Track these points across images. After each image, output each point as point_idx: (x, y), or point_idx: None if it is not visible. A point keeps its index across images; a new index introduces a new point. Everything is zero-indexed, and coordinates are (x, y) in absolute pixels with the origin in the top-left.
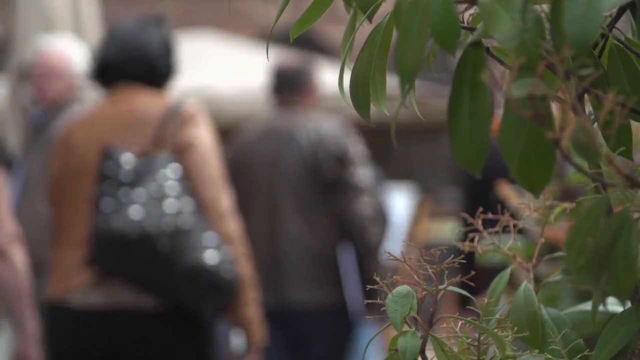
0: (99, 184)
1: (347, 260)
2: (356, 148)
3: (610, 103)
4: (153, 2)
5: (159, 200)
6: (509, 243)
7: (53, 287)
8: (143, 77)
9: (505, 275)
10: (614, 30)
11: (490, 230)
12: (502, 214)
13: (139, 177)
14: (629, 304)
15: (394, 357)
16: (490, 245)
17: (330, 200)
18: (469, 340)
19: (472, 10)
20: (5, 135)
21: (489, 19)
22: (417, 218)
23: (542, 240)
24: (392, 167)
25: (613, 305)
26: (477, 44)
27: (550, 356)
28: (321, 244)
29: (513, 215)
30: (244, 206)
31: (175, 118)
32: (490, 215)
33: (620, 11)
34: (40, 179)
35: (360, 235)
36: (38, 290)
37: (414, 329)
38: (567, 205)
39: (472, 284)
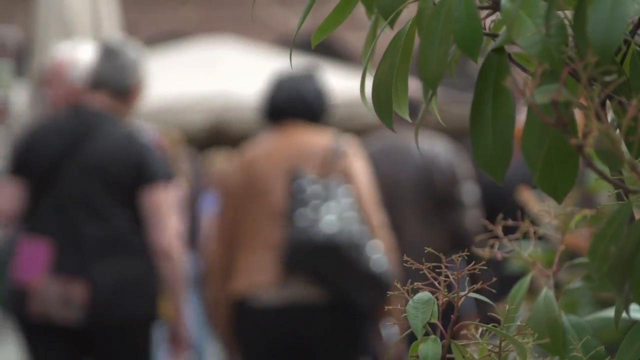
0: (290, 200)
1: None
2: (463, 166)
3: (634, 110)
4: (173, 8)
5: (339, 214)
6: (529, 249)
7: (240, 284)
8: (305, 116)
9: (525, 281)
10: (636, 37)
11: (511, 236)
12: (522, 220)
13: (322, 195)
14: None
15: None
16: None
17: (442, 213)
18: (490, 347)
19: (493, 17)
20: None
21: (512, 24)
22: None
23: (563, 247)
24: None
25: (636, 312)
26: (499, 50)
27: None
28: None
29: (532, 222)
30: None
31: (336, 150)
32: (510, 222)
33: None
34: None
35: (469, 246)
36: None
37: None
38: (587, 212)
39: (493, 290)
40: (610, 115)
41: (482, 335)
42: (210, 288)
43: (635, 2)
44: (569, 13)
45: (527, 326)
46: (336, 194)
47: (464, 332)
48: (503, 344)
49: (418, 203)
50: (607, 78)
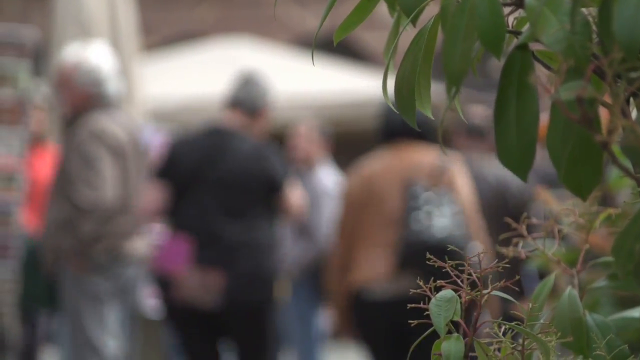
0: (405, 206)
1: (531, 277)
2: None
3: None
4: (190, 8)
5: (449, 219)
6: (553, 249)
7: (357, 277)
8: (415, 136)
9: (550, 280)
10: None
11: (535, 235)
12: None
13: (434, 202)
14: None
15: None
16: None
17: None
18: (513, 345)
19: (516, 14)
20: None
21: (536, 21)
22: None
23: (587, 246)
24: None
25: None
26: (523, 47)
27: None
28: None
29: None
30: None
31: (442, 165)
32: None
33: None
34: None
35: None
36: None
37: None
38: (612, 210)
39: (516, 288)
40: (635, 112)
41: (504, 333)
42: (330, 280)
43: None
44: (592, 10)
45: (551, 325)
46: (444, 201)
47: (486, 330)
48: (526, 342)
49: (491, 219)
50: (633, 75)
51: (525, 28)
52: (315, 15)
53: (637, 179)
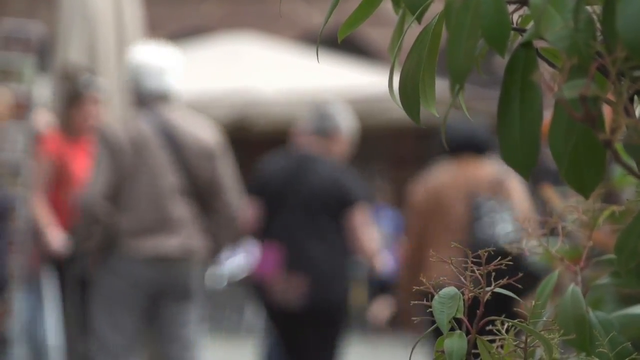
0: (470, 214)
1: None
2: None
3: None
4: (196, 4)
5: (508, 224)
6: (557, 246)
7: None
8: (477, 150)
9: (553, 277)
10: None
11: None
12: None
13: (496, 210)
14: None
15: (440, 359)
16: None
17: None
18: (516, 343)
19: (520, 12)
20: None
21: (540, 19)
22: None
23: (591, 243)
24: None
25: None
26: (527, 45)
27: (597, 359)
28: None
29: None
30: None
31: (501, 177)
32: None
33: None
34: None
35: None
36: None
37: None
38: (615, 208)
39: (519, 285)
40: (638, 110)
41: (507, 331)
42: (402, 283)
43: None
44: (596, 8)
45: (554, 322)
46: (504, 210)
47: (489, 327)
48: (529, 339)
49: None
50: (636, 73)
51: (530, 26)
52: (322, 11)
53: None
